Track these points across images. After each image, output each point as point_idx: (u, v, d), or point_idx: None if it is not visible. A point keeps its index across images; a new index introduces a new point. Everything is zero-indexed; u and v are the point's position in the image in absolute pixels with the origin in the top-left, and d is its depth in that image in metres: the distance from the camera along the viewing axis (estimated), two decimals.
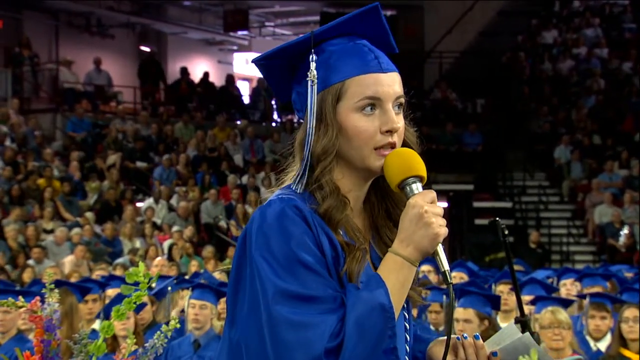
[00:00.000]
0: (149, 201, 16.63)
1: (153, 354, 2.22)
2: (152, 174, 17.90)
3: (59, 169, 16.78)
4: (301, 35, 2.15)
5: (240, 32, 26.71)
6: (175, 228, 15.18)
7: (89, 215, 15.45)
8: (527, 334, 2.22)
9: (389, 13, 24.21)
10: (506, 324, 3.33)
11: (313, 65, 2.07)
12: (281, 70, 2.17)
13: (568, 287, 8.00)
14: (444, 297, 7.09)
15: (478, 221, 18.19)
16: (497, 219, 2.74)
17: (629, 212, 17.03)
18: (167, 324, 2.29)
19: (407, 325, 2.17)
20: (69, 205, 15.71)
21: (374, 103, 2.05)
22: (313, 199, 2.05)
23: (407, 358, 2.16)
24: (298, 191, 2.06)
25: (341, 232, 2.04)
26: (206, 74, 23.11)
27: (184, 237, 14.80)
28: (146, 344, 2.21)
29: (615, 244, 16.56)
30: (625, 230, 16.52)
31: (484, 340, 2.21)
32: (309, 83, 2.07)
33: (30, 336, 5.73)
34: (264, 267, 1.95)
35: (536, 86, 21.82)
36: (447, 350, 2.07)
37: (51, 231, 14.59)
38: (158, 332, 2.21)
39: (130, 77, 23.17)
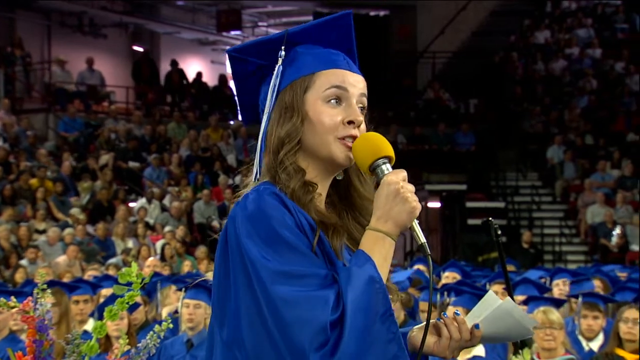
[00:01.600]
0: (142, 201, 16.58)
1: (146, 354, 2.21)
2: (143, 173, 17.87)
3: (51, 169, 16.72)
4: (276, 32, 2.24)
5: (233, 32, 26.67)
6: (167, 228, 15.15)
7: (75, 211, 15.26)
8: (508, 298, 2.23)
9: (382, 13, 24.23)
10: None
11: (280, 60, 2.16)
12: (251, 70, 2.24)
13: (561, 287, 8.00)
14: (438, 296, 7.11)
15: (471, 221, 18.20)
16: (490, 219, 2.75)
17: (621, 212, 17.06)
18: (159, 323, 2.29)
19: None
20: (62, 205, 15.66)
21: (339, 94, 2.14)
22: (281, 184, 2.11)
23: None
24: (263, 180, 2.11)
25: (313, 215, 2.10)
26: (199, 74, 23.08)
27: (177, 237, 14.77)
28: (139, 344, 2.21)
29: (608, 244, 16.58)
30: (617, 230, 16.54)
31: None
32: (278, 62, 2.15)
33: (23, 337, 5.72)
34: (254, 254, 1.98)
35: (529, 86, 21.85)
36: (428, 323, 2.12)
37: (43, 231, 14.54)
38: (151, 333, 2.21)
39: (123, 77, 23.11)
